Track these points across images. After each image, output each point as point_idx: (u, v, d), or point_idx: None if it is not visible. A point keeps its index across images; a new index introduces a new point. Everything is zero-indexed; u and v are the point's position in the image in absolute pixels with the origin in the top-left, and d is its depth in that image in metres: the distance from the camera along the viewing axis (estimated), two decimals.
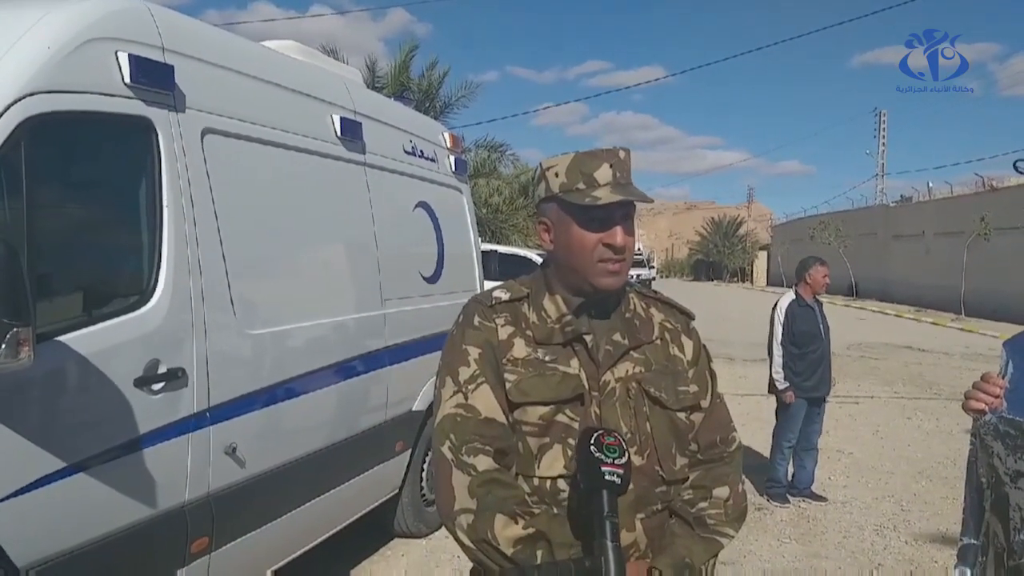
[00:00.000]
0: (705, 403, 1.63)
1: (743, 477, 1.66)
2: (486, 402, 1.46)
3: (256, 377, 3.12)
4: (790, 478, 5.77)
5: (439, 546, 4.55)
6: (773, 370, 5.54)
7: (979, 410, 1.63)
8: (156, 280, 2.68)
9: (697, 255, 76.88)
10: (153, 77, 2.71)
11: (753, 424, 7.62)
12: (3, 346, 1.95)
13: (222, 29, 3.63)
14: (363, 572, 4.27)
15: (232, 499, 2.94)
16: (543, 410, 1.48)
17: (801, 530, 5.09)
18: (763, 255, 58.84)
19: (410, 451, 4.44)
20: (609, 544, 1.28)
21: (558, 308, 1.55)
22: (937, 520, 5.25)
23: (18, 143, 2.24)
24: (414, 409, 4.42)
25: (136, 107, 2.66)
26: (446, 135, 5.41)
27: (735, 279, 63.71)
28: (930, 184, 33.79)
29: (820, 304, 5.71)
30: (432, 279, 4.81)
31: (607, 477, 1.30)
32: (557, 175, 1.52)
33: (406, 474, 4.45)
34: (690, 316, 1.70)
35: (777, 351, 5.51)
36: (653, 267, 55.16)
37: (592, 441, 1.33)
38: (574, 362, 1.51)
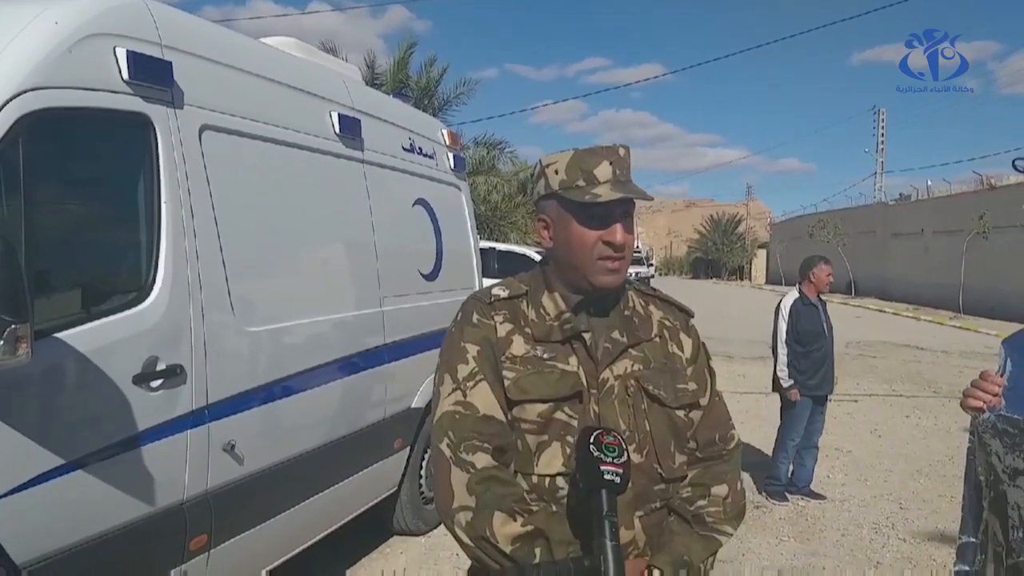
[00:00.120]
0: (704, 401, 1.63)
1: (742, 475, 1.66)
2: (485, 399, 1.46)
3: (255, 374, 3.12)
4: (789, 476, 5.78)
5: (438, 544, 4.55)
6: (778, 368, 5.55)
7: (977, 408, 1.63)
8: (154, 277, 2.68)
9: (696, 253, 76.88)
10: (151, 73, 2.70)
11: (752, 422, 7.63)
12: (1, 343, 1.95)
13: (221, 25, 3.62)
14: (362, 570, 4.27)
15: (231, 496, 2.94)
16: (542, 407, 1.47)
17: (800, 528, 5.10)
18: (762, 253, 58.85)
19: (409, 448, 4.44)
20: (608, 543, 1.28)
21: (557, 305, 1.55)
22: (935, 518, 5.26)
23: (16, 139, 2.24)
24: (413, 406, 4.42)
25: (134, 103, 2.65)
26: (445, 132, 5.40)
27: (734, 277, 63.73)
28: (929, 182, 33.79)
29: (824, 303, 5.72)
30: (431, 276, 4.81)
31: (606, 476, 1.30)
32: (557, 172, 1.52)
33: (405, 471, 4.45)
34: (689, 314, 1.70)
35: (782, 349, 5.52)
36: (652, 265, 55.22)
37: (591, 440, 1.32)
38: (573, 360, 1.51)
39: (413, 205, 4.75)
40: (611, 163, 1.49)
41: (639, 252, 44.14)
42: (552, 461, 1.46)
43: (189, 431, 2.75)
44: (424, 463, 4.59)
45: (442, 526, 1.76)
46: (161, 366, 2.64)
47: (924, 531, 5.04)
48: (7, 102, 2.23)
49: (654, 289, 1.71)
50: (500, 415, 1.47)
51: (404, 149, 4.67)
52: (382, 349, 4.09)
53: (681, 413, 1.58)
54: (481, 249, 5.98)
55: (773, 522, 5.19)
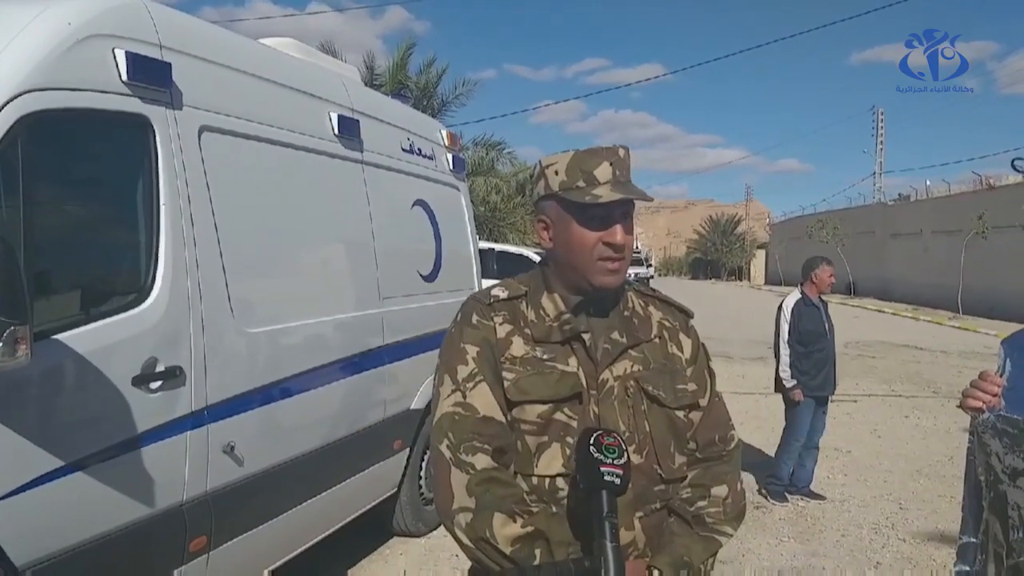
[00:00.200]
0: (704, 401, 1.62)
1: (741, 476, 1.65)
2: (484, 400, 1.46)
3: (254, 375, 3.12)
4: (790, 476, 5.78)
5: (438, 545, 4.55)
6: (780, 369, 5.55)
7: (977, 408, 1.63)
8: (154, 278, 2.68)
9: (695, 253, 76.94)
10: (150, 74, 2.70)
11: (751, 423, 7.63)
12: (1, 344, 1.95)
13: (220, 26, 3.62)
14: (362, 571, 4.27)
15: (230, 498, 2.94)
16: (541, 408, 1.47)
17: (799, 528, 5.10)
18: (761, 253, 58.86)
19: (408, 450, 4.44)
20: (608, 544, 1.28)
21: (556, 306, 1.55)
22: (935, 518, 5.26)
23: (15, 140, 2.24)
24: (412, 407, 4.42)
25: (133, 104, 2.65)
26: (444, 133, 5.40)
27: (733, 277, 63.75)
28: (928, 182, 33.79)
29: (825, 304, 5.72)
30: (430, 277, 4.81)
31: (606, 477, 1.30)
32: (557, 173, 1.52)
33: (404, 473, 4.45)
34: (689, 314, 1.70)
35: (784, 350, 5.52)
36: (651, 265, 55.21)
37: (592, 441, 1.32)
38: (572, 360, 1.51)
39: (412, 206, 4.75)
40: (611, 164, 1.49)
41: (638, 253, 44.14)
42: (552, 462, 1.46)
43: (189, 432, 2.75)
44: (424, 464, 4.59)
45: (442, 527, 1.76)
46: (160, 367, 2.64)
47: (924, 531, 5.04)
48: (6, 103, 2.23)
49: (653, 290, 1.71)
50: (500, 416, 1.46)
51: (403, 150, 4.67)
52: (381, 350, 4.09)
53: (681, 414, 1.57)
54: (480, 250, 5.98)
55: (773, 523, 5.19)
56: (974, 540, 1.68)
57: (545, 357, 1.50)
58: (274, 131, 3.41)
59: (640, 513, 1.50)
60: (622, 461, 1.32)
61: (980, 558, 1.65)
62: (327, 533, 3.76)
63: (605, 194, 1.47)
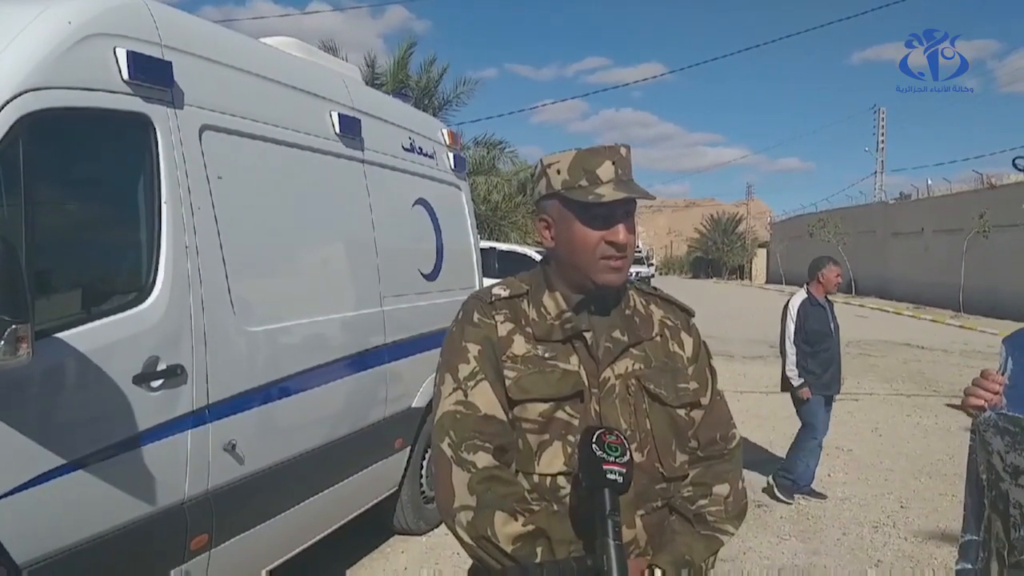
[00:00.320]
0: (705, 400, 1.62)
1: (743, 474, 1.65)
2: (486, 399, 1.46)
3: (255, 374, 3.12)
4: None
5: (438, 543, 4.55)
6: (787, 368, 5.55)
7: (978, 407, 1.63)
8: (155, 277, 2.68)
9: (696, 252, 76.88)
10: (151, 73, 2.70)
11: (752, 421, 7.64)
12: (2, 343, 1.95)
13: (221, 25, 3.62)
14: (363, 569, 4.27)
15: (232, 496, 2.94)
16: (543, 407, 1.47)
17: (800, 527, 5.10)
18: (762, 252, 58.82)
19: (409, 448, 4.44)
20: (611, 543, 1.28)
21: (558, 305, 1.55)
22: (936, 517, 5.25)
23: (16, 140, 2.24)
24: (413, 406, 4.42)
25: (134, 103, 2.65)
26: (445, 132, 5.40)
27: (734, 276, 63.72)
28: (929, 181, 33.80)
29: (831, 304, 5.72)
30: (431, 276, 4.81)
31: (609, 476, 1.30)
32: (559, 172, 1.52)
33: (405, 471, 4.45)
34: (690, 313, 1.70)
35: (790, 349, 5.53)
36: (652, 264, 55.19)
37: (594, 440, 1.32)
38: (574, 359, 1.51)
39: (413, 205, 4.75)
40: (613, 163, 1.49)
41: (639, 252, 44.13)
42: (553, 460, 1.46)
43: (190, 431, 2.75)
44: (425, 463, 4.59)
45: (443, 525, 1.76)
46: (162, 366, 2.64)
47: (925, 530, 5.04)
48: (7, 102, 2.23)
49: (655, 288, 1.71)
50: (501, 415, 1.46)
51: (404, 149, 4.67)
52: (382, 349, 4.09)
53: (682, 412, 1.57)
54: (481, 249, 5.98)
55: (774, 521, 5.19)
56: (976, 538, 1.68)
57: (546, 355, 1.50)
58: (275, 130, 3.41)
59: (641, 511, 1.50)
60: (625, 459, 1.31)
61: (982, 556, 1.65)
62: (328, 531, 3.76)
63: (608, 193, 1.46)
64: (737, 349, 13.61)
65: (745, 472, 1.70)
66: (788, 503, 5.48)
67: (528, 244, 16.80)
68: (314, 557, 3.71)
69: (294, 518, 3.36)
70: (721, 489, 1.57)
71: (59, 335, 2.32)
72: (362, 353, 3.92)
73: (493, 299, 1.56)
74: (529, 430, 1.47)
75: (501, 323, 1.53)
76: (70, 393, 2.42)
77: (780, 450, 6.74)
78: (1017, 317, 17.52)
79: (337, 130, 3.91)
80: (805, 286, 5.73)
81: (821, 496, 5.62)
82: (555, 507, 1.45)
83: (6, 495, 2.15)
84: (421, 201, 4.81)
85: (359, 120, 4.11)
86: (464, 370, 1.49)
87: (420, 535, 4.66)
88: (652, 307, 1.64)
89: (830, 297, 5.75)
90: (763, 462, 6.38)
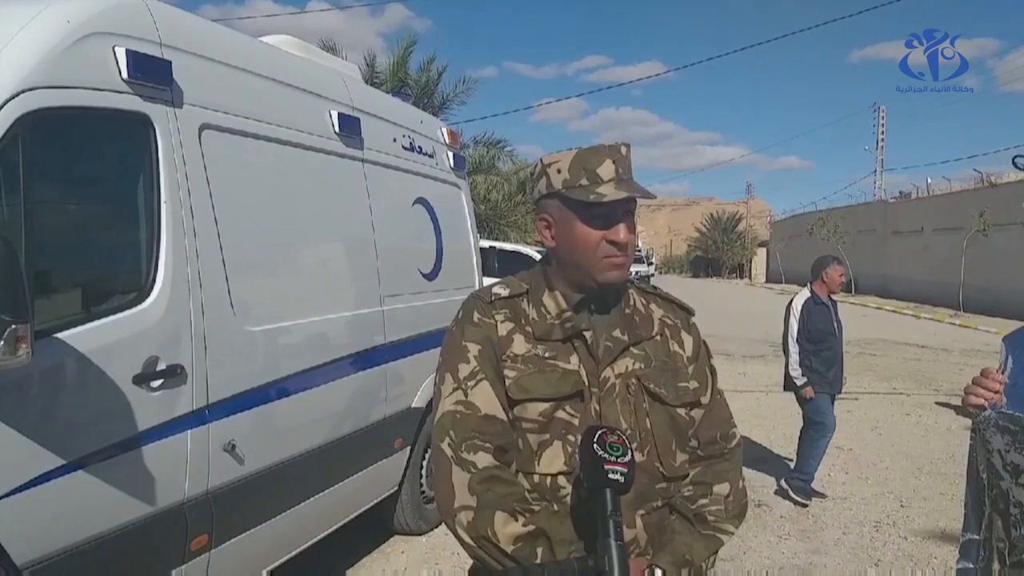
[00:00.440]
0: (705, 399, 1.62)
1: (743, 473, 1.65)
2: (486, 399, 1.46)
3: (255, 374, 3.12)
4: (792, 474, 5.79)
5: (439, 543, 4.55)
6: (790, 367, 5.55)
7: (979, 406, 1.63)
8: (154, 277, 2.68)
9: (696, 251, 76.93)
10: (151, 72, 2.70)
11: (751, 420, 7.64)
12: (1, 343, 1.95)
13: (220, 24, 3.62)
14: (363, 569, 4.27)
15: (231, 496, 2.94)
16: (543, 406, 1.47)
17: (800, 526, 5.10)
18: (762, 251, 58.84)
19: (409, 448, 4.44)
20: (613, 543, 1.27)
21: (558, 304, 1.55)
22: (936, 516, 5.25)
23: (15, 139, 2.24)
24: (413, 406, 4.42)
25: (134, 103, 2.65)
26: (444, 131, 5.39)
27: (734, 275, 63.74)
28: (929, 180, 33.80)
29: (835, 303, 5.72)
30: (431, 275, 4.80)
31: (611, 476, 1.29)
32: (559, 171, 1.51)
33: (405, 471, 4.45)
34: (690, 312, 1.70)
35: (793, 348, 5.53)
36: (652, 263, 55.21)
37: (596, 439, 1.32)
38: (574, 358, 1.50)
39: (413, 204, 4.74)
40: (614, 161, 1.49)
41: (639, 251, 44.13)
42: (554, 460, 1.46)
43: (190, 431, 2.75)
44: (425, 462, 4.59)
45: (443, 525, 1.76)
46: (161, 366, 2.63)
47: (925, 529, 5.04)
48: (6, 102, 2.23)
49: (655, 287, 1.71)
50: (501, 414, 1.46)
51: (404, 148, 4.66)
52: (382, 348, 4.09)
53: (682, 411, 1.57)
54: (481, 248, 5.98)
55: (774, 520, 5.19)
56: (977, 537, 1.68)
57: (547, 355, 1.50)
58: (275, 129, 3.40)
59: (642, 511, 1.50)
60: (626, 459, 1.31)
61: (983, 555, 1.65)
62: (329, 531, 3.76)
63: (610, 192, 1.46)
64: (736, 348, 13.61)
65: (745, 471, 1.70)
66: (806, 504, 5.42)
67: (528, 243, 16.81)
68: (314, 557, 3.71)
69: (294, 518, 3.35)
70: (721, 488, 1.57)
71: (59, 335, 2.32)
72: (362, 353, 3.91)
73: (493, 298, 1.56)
74: (529, 430, 1.47)
75: (501, 323, 1.53)
76: (70, 393, 2.42)
77: (780, 449, 6.75)
78: (1017, 316, 17.51)
79: (337, 129, 3.90)
80: (809, 285, 5.73)
81: (821, 495, 5.62)
82: (555, 507, 1.45)
83: (5, 496, 2.14)
84: (421, 200, 4.81)
85: (359, 119, 4.10)
86: (464, 370, 1.48)
87: (420, 535, 4.66)
88: (652, 306, 1.64)
89: (833, 296, 5.75)
90: (763, 461, 6.38)
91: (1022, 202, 20.77)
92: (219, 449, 2.88)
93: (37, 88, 2.31)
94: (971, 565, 1.69)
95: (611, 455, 1.30)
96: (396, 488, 4.42)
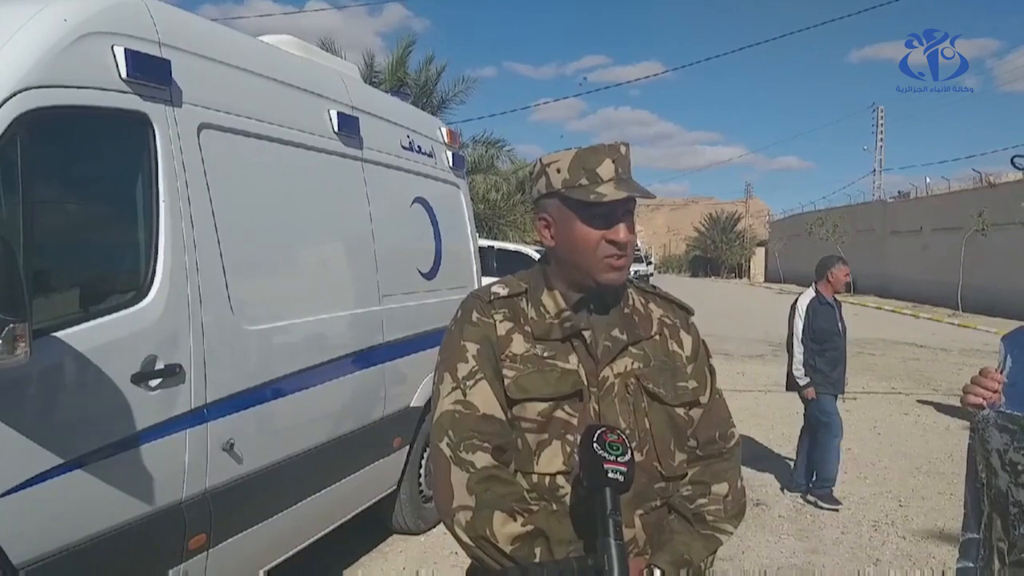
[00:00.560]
0: (704, 399, 1.62)
1: (742, 473, 1.65)
2: (484, 398, 1.46)
3: (253, 373, 3.11)
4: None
5: (437, 543, 4.55)
6: (793, 367, 5.54)
7: (977, 405, 1.62)
8: (153, 276, 2.67)
9: (695, 251, 76.95)
10: (150, 72, 2.70)
11: (750, 420, 7.64)
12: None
13: (219, 24, 3.62)
14: (361, 569, 4.26)
15: (230, 496, 2.94)
16: (542, 406, 1.47)
17: (799, 526, 5.10)
18: (761, 251, 58.85)
19: (408, 447, 4.44)
20: (612, 542, 1.27)
21: (557, 304, 1.55)
22: (935, 515, 5.26)
23: (14, 138, 2.23)
24: (412, 405, 4.42)
25: (132, 102, 2.65)
26: (443, 130, 5.39)
27: (733, 275, 63.76)
28: (928, 180, 33.85)
29: (839, 304, 5.71)
30: (430, 275, 4.80)
31: (610, 475, 1.29)
32: (559, 171, 1.51)
33: (404, 470, 4.45)
34: (689, 311, 1.70)
35: (797, 348, 5.52)
36: (651, 263, 55.22)
37: (595, 439, 1.32)
38: (573, 358, 1.50)
39: (412, 203, 4.74)
40: (614, 161, 1.49)
41: (639, 250, 44.12)
42: (552, 460, 1.46)
43: (188, 430, 2.75)
44: (423, 462, 4.59)
45: (441, 525, 1.76)
46: (160, 365, 2.63)
47: (923, 529, 5.04)
48: (5, 101, 2.23)
49: (654, 287, 1.71)
50: (500, 414, 1.46)
51: (403, 147, 4.66)
52: (381, 348, 4.09)
53: (681, 411, 1.57)
54: (480, 248, 5.98)
55: (773, 520, 5.19)
56: (976, 536, 1.68)
57: (545, 355, 1.50)
58: (274, 128, 3.40)
59: (640, 511, 1.50)
60: (626, 458, 1.31)
61: (983, 554, 1.65)
62: (327, 530, 3.76)
63: (609, 192, 1.46)
64: (735, 348, 13.62)
65: (744, 471, 1.70)
66: (837, 508, 5.38)
67: (527, 243, 16.81)
68: (312, 556, 3.71)
69: (292, 517, 3.35)
70: (720, 488, 1.57)
71: (57, 334, 2.31)
72: (361, 352, 3.91)
73: (492, 298, 1.55)
74: (528, 429, 1.47)
75: (500, 322, 1.52)
76: (68, 392, 2.41)
77: (778, 448, 6.75)
78: (1016, 315, 17.52)
79: (336, 128, 3.90)
80: (813, 284, 5.72)
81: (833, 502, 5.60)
82: (554, 507, 1.45)
83: (2, 495, 2.14)
84: (420, 200, 4.81)
85: (358, 118, 4.10)
86: (463, 369, 1.48)
87: (418, 535, 4.66)
88: (651, 306, 1.64)
89: (838, 297, 5.74)
90: (761, 460, 6.39)
91: (1021, 202, 20.79)
92: (217, 448, 2.88)
93: (35, 87, 2.31)
94: (971, 564, 1.68)
95: (611, 454, 1.30)
96: (394, 487, 4.42)
